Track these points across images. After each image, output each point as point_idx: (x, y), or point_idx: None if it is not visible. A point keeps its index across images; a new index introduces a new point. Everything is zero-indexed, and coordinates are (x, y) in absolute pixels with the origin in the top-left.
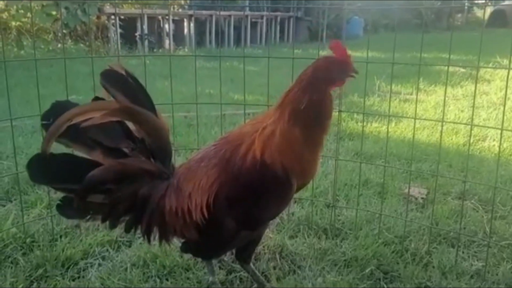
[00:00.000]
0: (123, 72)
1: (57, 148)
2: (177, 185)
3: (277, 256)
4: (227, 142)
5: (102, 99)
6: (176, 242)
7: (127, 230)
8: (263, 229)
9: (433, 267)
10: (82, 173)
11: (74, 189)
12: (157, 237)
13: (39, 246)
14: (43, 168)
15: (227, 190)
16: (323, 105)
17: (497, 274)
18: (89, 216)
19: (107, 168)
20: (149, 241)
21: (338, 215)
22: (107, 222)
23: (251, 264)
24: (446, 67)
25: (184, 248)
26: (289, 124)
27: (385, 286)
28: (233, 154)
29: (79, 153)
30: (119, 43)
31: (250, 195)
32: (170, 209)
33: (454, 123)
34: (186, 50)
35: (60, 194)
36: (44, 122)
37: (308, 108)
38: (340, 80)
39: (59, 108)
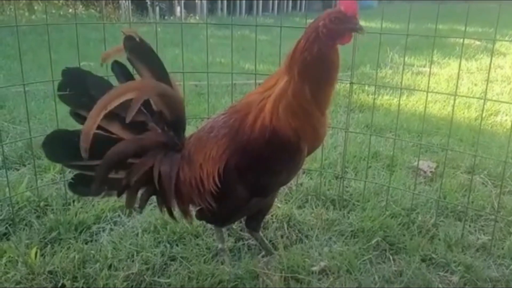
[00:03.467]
0: (138, 40)
1: (73, 124)
2: (189, 156)
3: (285, 225)
4: (236, 111)
5: (123, 65)
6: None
7: (141, 204)
8: (274, 196)
9: (439, 239)
10: (101, 149)
11: (93, 165)
12: (176, 207)
13: (52, 210)
14: (60, 146)
15: (237, 158)
16: (330, 59)
17: (503, 248)
18: (104, 193)
19: (127, 143)
20: (170, 213)
21: (346, 187)
22: (124, 197)
23: (260, 232)
24: (461, 40)
25: (199, 216)
26: (299, 82)
27: (391, 257)
28: (242, 122)
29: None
30: (130, 10)
31: (260, 162)
32: (184, 179)
33: (467, 97)
34: (197, 17)
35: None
36: (60, 93)
37: (316, 62)
38: (347, 34)
39: (71, 77)
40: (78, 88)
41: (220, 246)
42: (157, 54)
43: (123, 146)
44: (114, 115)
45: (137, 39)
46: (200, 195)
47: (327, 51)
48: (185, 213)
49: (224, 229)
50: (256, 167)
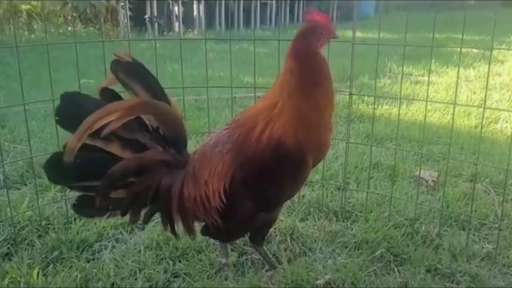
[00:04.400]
0: (129, 59)
1: None
2: (193, 173)
3: (288, 238)
4: (239, 126)
5: (111, 90)
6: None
7: (145, 221)
8: (279, 211)
9: (444, 249)
10: (101, 169)
11: (94, 186)
12: (180, 225)
13: (54, 228)
14: (62, 169)
15: (243, 174)
16: (317, 67)
17: (508, 257)
18: (108, 213)
19: (127, 162)
20: (172, 230)
21: (349, 198)
22: (128, 216)
23: (263, 247)
24: (459, 48)
25: (204, 231)
26: (294, 96)
27: (395, 268)
28: (247, 137)
29: (98, 146)
30: (128, 26)
31: (266, 177)
32: (189, 196)
33: (466, 105)
34: (196, 32)
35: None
36: (57, 118)
37: (304, 73)
38: (325, 40)
39: (68, 102)
40: (75, 113)
41: (224, 261)
42: (149, 71)
43: (123, 164)
44: (113, 135)
45: (127, 59)
46: (206, 212)
47: (312, 61)
48: (189, 230)
49: (228, 244)
50: (262, 181)
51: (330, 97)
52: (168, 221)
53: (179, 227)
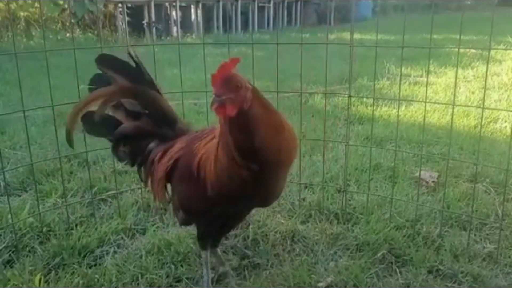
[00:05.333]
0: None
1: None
2: (167, 149)
3: (290, 241)
4: (206, 135)
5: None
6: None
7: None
8: (203, 222)
9: (445, 250)
10: (112, 129)
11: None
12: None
13: (55, 235)
14: (92, 124)
15: (175, 170)
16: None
17: (509, 257)
18: (125, 161)
19: (127, 127)
20: (146, 186)
21: (349, 200)
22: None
23: (206, 254)
24: (457, 49)
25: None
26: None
27: (397, 269)
28: (195, 148)
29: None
30: (127, 32)
31: (180, 179)
32: (154, 165)
33: (465, 106)
34: (194, 36)
35: None
36: (90, 87)
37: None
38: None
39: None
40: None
41: (221, 269)
42: (124, 60)
43: (124, 127)
44: (120, 104)
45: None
46: (155, 188)
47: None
48: (155, 194)
49: (217, 251)
50: (178, 182)
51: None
52: (145, 182)
53: (151, 189)
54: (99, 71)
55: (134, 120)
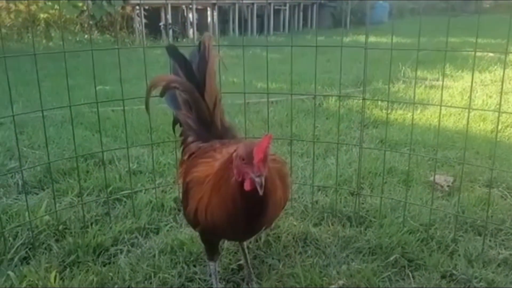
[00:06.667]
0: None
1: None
2: (196, 152)
3: (302, 243)
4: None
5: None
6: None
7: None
8: (206, 234)
9: (459, 255)
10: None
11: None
12: None
13: (71, 233)
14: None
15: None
16: (234, 197)
17: None
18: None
19: (178, 114)
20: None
21: (363, 203)
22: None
23: (213, 266)
24: (473, 52)
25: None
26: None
27: (410, 274)
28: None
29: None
30: (144, 33)
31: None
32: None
33: (481, 110)
34: None
35: None
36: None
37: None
38: (247, 179)
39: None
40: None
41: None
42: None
43: (178, 114)
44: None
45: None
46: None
47: (234, 187)
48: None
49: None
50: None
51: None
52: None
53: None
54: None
55: (187, 109)
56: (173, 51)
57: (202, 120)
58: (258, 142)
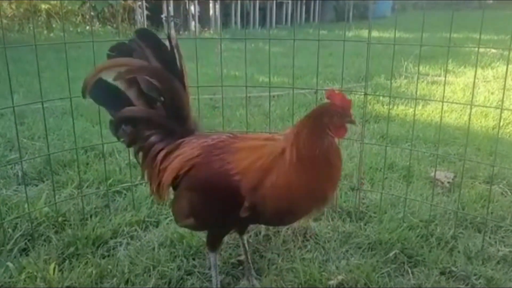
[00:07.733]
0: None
1: (90, 139)
2: (173, 149)
3: (301, 237)
4: (230, 142)
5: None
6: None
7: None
8: (216, 227)
9: (459, 252)
10: (119, 105)
11: (113, 114)
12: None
13: (70, 225)
14: (99, 92)
15: (187, 178)
16: (325, 152)
17: None
18: (122, 140)
19: (137, 110)
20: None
21: (363, 199)
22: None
23: (214, 257)
24: (476, 48)
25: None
26: (292, 165)
27: (409, 270)
28: (218, 156)
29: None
30: (145, 25)
31: (197, 190)
32: (156, 165)
33: (483, 106)
34: (212, 31)
35: None
36: (109, 53)
37: (312, 154)
38: (344, 127)
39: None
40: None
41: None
42: (164, 43)
43: (131, 110)
44: (135, 82)
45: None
46: (158, 187)
47: (323, 145)
48: (152, 191)
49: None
50: (193, 191)
51: (326, 182)
52: (142, 176)
53: (150, 185)
54: (125, 41)
55: (145, 104)
56: (146, 34)
57: (178, 114)
58: (335, 97)
